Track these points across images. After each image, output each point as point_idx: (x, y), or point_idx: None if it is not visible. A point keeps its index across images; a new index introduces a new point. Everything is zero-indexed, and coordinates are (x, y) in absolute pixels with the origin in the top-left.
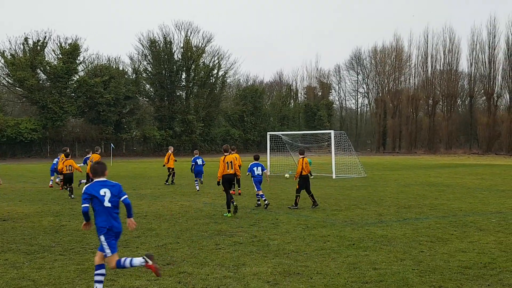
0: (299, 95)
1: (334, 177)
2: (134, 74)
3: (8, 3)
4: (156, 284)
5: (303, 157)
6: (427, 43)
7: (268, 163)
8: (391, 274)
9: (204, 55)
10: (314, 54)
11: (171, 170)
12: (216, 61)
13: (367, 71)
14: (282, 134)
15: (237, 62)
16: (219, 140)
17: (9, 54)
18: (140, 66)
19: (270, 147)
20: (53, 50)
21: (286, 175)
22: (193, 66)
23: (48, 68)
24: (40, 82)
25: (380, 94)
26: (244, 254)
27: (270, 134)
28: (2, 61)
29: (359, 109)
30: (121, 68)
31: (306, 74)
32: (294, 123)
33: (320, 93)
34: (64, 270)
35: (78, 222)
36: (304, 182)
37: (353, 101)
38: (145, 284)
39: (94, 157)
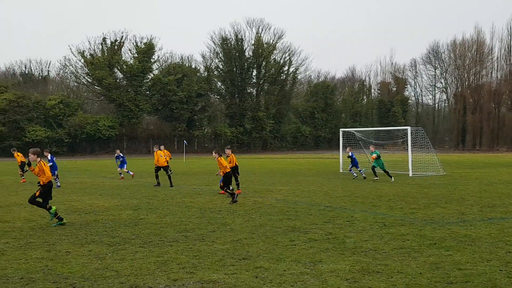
0: (372, 90)
1: (410, 175)
2: (206, 72)
3: (88, 4)
4: (234, 278)
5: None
6: (511, 35)
7: (341, 160)
8: (477, 274)
9: (275, 51)
10: (388, 49)
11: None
12: (287, 58)
13: (445, 65)
14: (355, 131)
15: (308, 58)
16: (289, 137)
17: (88, 54)
18: (212, 64)
19: (342, 144)
20: (129, 50)
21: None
22: (263, 63)
23: (124, 67)
24: (117, 80)
25: (460, 89)
26: (320, 251)
27: (343, 131)
28: (82, 60)
29: (436, 105)
30: (193, 66)
31: (380, 69)
32: (367, 119)
33: (394, 89)
34: (145, 262)
35: (155, 216)
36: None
37: (430, 96)
38: (223, 277)
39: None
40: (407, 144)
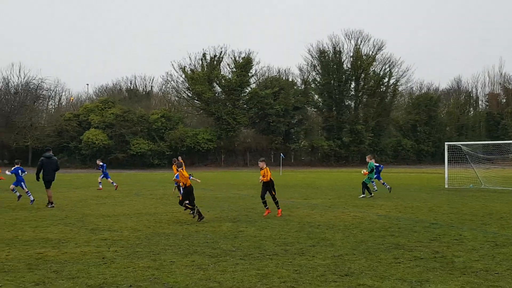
0: (479, 102)
1: None
2: (303, 85)
3: (189, 20)
4: None
5: (180, 169)
6: None
7: (446, 175)
8: None
9: (374, 63)
10: (497, 58)
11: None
12: (387, 69)
13: None
14: (461, 145)
15: (410, 69)
16: (389, 151)
17: (189, 69)
18: (309, 76)
19: (448, 158)
20: (227, 64)
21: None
22: (362, 75)
23: (223, 81)
24: (216, 94)
25: None
26: (426, 270)
27: (448, 145)
28: (183, 76)
29: None
30: (290, 79)
31: (488, 80)
32: (474, 132)
33: (504, 100)
34: (246, 274)
35: (254, 228)
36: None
37: None
38: None
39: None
40: None
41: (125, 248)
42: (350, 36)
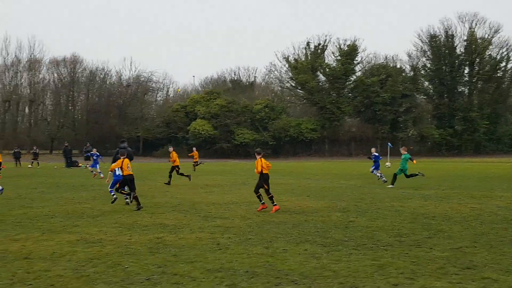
0: None
1: None
2: (411, 72)
3: (293, 11)
4: (459, 287)
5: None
6: None
7: None
8: None
9: (490, 47)
10: None
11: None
12: (505, 53)
13: None
14: None
15: None
16: (507, 140)
17: (293, 59)
18: (419, 63)
19: None
20: (332, 53)
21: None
22: (477, 59)
23: (327, 70)
24: (320, 84)
25: None
26: None
27: None
28: (287, 65)
29: None
30: (398, 66)
31: None
32: None
33: None
34: (361, 264)
35: (365, 219)
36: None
37: None
38: (447, 286)
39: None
40: None
41: (237, 235)
42: (464, 19)
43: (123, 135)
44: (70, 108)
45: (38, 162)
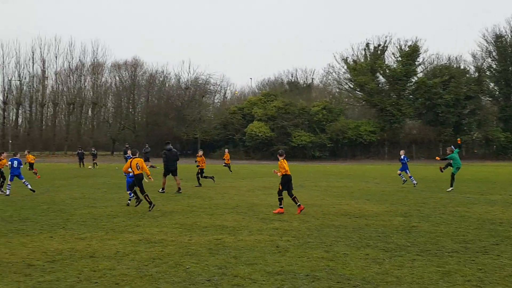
0: None
1: None
2: (476, 73)
3: (354, 12)
4: None
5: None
6: None
7: None
8: None
9: None
10: None
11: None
12: None
13: None
14: None
15: None
16: None
17: (351, 60)
18: (484, 63)
19: None
20: (392, 53)
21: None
22: None
23: (387, 71)
24: (379, 85)
25: None
26: None
27: None
28: (345, 67)
29: None
30: (462, 67)
31: None
32: None
33: None
34: (426, 271)
35: (428, 224)
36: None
37: None
38: None
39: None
40: None
41: (296, 238)
42: None
43: (181, 136)
44: (130, 110)
45: (95, 163)
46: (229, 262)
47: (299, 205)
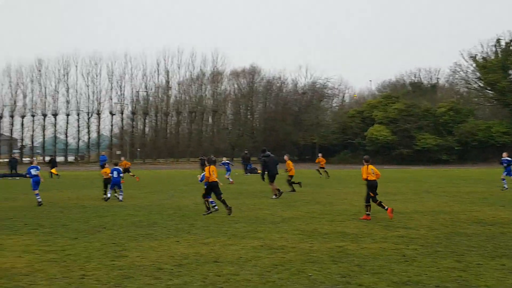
0: None
1: None
2: None
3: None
4: None
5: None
6: None
7: None
8: None
9: None
10: None
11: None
12: None
13: None
14: None
15: None
16: None
17: (480, 57)
18: None
19: None
20: None
21: None
22: None
23: None
24: None
25: None
26: None
27: None
28: (474, 65)
29: None
30: None
31: None
32: None
33: None
34: None
35: None
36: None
37: None
38: None
39: None
40: None
41: (424, 246)
42: None
43: (298, 142)
44: (248, 116)
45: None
46: (352, 271)
47: (368, 214)
